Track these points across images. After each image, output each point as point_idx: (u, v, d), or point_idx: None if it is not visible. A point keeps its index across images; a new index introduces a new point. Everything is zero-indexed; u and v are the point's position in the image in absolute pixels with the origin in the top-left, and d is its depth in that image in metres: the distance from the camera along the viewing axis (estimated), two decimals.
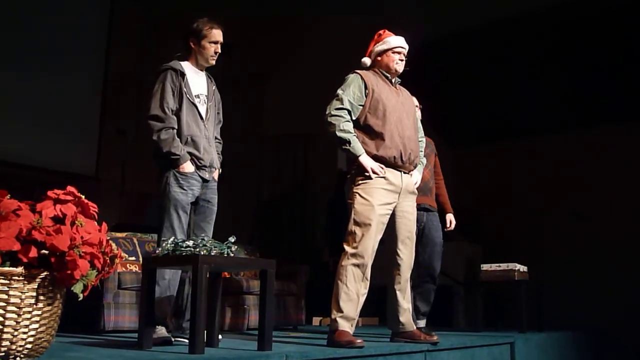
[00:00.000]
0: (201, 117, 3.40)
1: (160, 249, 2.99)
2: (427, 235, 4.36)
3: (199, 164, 3.35)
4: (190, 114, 3.35)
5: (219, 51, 3.47)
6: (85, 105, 8.30)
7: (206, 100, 3.46)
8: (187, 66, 3.44)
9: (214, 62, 3.49)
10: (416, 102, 4.13)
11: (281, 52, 8.81)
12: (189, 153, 3.31)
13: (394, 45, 3.57)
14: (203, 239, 2.92)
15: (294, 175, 9.12)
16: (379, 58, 3.60)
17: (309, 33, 8.57)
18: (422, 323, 4.31)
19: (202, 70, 3.51)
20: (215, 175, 3.49)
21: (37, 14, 7.73)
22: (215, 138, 3.57)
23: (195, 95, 3.39)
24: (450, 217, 4.59)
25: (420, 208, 4.04)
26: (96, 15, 8.59)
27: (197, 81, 3.45)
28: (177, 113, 3.31)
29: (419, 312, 4.35)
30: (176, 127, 3.29)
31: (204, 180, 3.39)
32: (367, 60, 3.64)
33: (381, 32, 3.65)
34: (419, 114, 4.15)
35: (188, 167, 3.29)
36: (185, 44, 3.46)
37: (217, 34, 3.44)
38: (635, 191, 6.45)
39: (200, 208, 3.42)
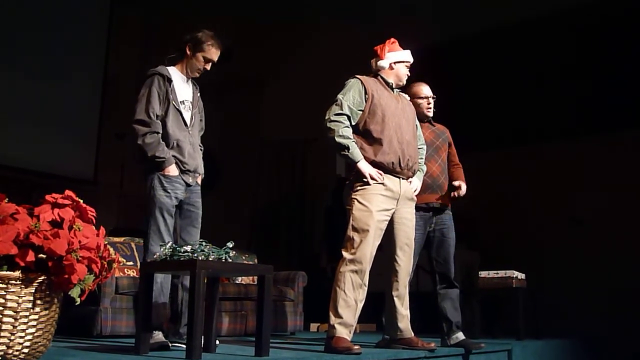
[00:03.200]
0: (185, 124, 3.42)
1: (157, 254, 2.98)
2: (439, 237, 3.95)
3: (183, 168, 3.36)
4: (175, 119, 3.36)
5: (208, 69, 3.47)
6: (84, 109, 8.32)
7: (191, 107, 3.47)
8: (173, 72, 3.44)
9: (197, 76, 3.50)
10: (430, 94, 4.07)
11: (280, 56, 8.83)
12: (174, 157, 3.32)
13: (409, 59, 3.62)
14: (201, 244, 2.92)
15: (292, 181, 9.12)
16: (393, 65, 3.60)
17: (307, 38, 8.59)
18: (460, 335, 3.90)
19: (188, 77, 3.51)
20: (199, 180, 3.50)
21: (36, 18, 7.74)
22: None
23: (180, 102, 3.41)
24: (458, 183, 4.00)
25: (428, 208, 3.88)
26: (96, 19, 8.62)
27: (182, 87, 3.46)
28: (163, 118, 3.33)
29: (452, 324, 3.92)
30: (161, 131, 3.31)
31: (187, 185, 3.40)
32: (385, 63, 3.58)
33: (394, 39, 3.65)
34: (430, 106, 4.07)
35: (173, 170, 3.30)
36: (181, 47, 3.45)
37: (215, 54, 3.44)
38: (634, 199, 6.45)
39: (186, 212, 3.42)
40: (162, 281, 3.24)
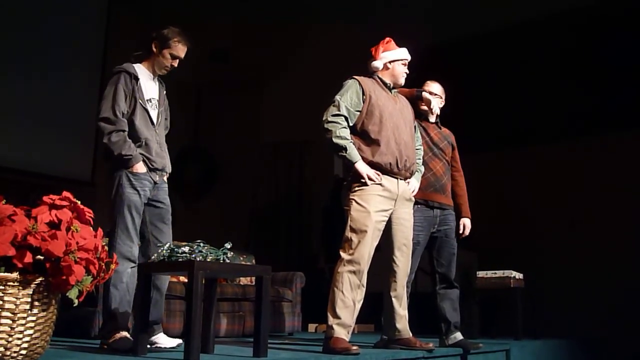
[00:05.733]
0: (152, 122, 3.37)
1: (155, 255, 2.98)
2: (442, 238, 3.98)
3: (150, 166, 3.31)
4: (142, 118, 3.31)
5: (175, 66, 3.42)
6: (82, 110, 8.28)
7: (157, 105, 3.43)
8: (140, 69, 3.38)
9: (164, 73, 3.46)
10: (440, 91, 4.09)
11: (279, 57, 8.82)
12: (141, 155, 3.27)
13: (404, 57, 3.62)
14: (199, 245, 2.91)
15: (290, 182, 9.12)
16: (388, 65, 3.60)
17: (306, 39, 8.58)
18: (458, 336, 3.92)
19: (154, 75, 3.46)
20: (165, 178, 3.44)
21: (34, 19, 7.72)
22: None
23: (147, 100, 3.36)
24: (465, 222, 4.12)
25: (432, 206, 3.90)
26: (94, 19, 8.60)
27: (149, 85, 3.41)
28: (130, 117, 3.28)
29: (450, 324, 3.94)
30: (127, 129, 3.25)
31: (154, 183, 3.35)
32: (379, 64, 3.59)
33: (388, 39, 3.66)
34: (440, 105, 4.07)
35: (141, 167, 3.24)
36: (147, 44, 3.39)
37: (181, 50, 3.39)
38: (633, 200, 6.46)
39: (155, 209, 3.36)
40: (128, 281, 3.18)
